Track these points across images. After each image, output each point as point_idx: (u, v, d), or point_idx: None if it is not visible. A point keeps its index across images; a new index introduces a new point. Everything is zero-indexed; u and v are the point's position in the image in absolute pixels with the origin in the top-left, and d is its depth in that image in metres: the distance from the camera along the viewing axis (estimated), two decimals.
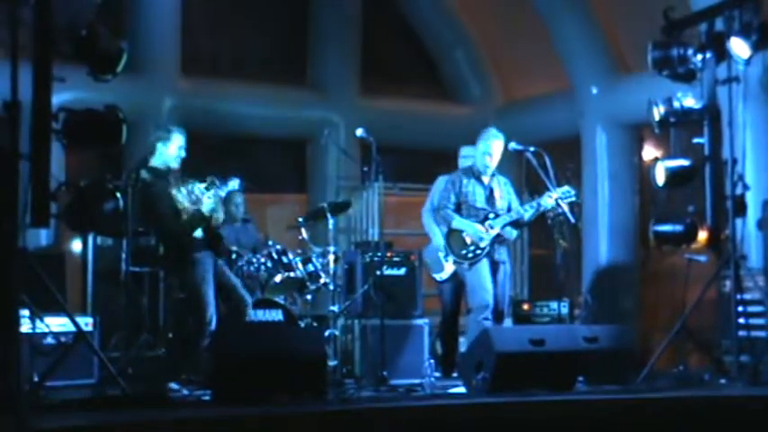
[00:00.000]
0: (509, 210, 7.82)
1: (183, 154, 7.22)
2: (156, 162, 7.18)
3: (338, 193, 10.69)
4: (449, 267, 8.09)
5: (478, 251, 7.66)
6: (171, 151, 7.18)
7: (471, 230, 7.69)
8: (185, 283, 7.21)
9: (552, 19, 10.50)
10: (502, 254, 7.82)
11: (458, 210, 7.81)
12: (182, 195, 7.16)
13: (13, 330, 5.56)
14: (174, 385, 6.93)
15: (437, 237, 8.24)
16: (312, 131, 11.15)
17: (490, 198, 7.82)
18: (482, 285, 7.63)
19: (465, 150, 8.53)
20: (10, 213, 5.61)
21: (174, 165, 7.21)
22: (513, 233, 7.99)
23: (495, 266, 7.73)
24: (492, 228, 7.69)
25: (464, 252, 7.69)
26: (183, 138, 7.24)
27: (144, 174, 7.11)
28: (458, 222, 7.74)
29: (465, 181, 7.83)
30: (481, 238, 7.66)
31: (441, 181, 8.51)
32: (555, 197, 7.65)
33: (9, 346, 5.48)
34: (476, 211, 7.77)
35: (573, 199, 7.76)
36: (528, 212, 7.74)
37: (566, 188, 7.74)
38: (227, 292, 7.27)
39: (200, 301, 7.02)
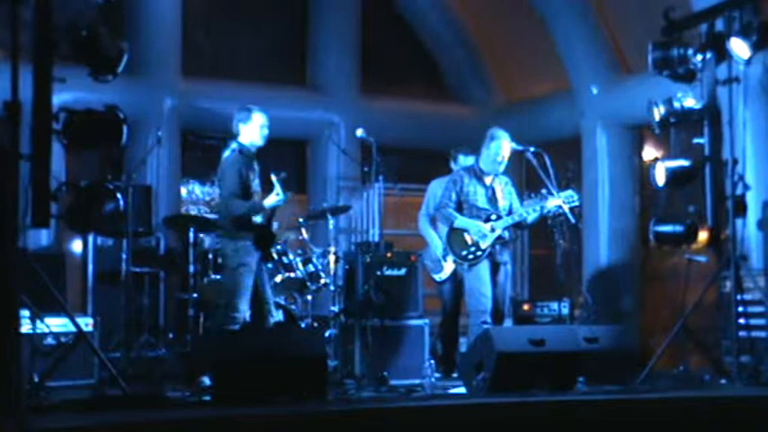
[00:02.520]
0: (510, 210, 7.79)
1: (266, 132, 7.35)
2: (243, 141, 7.33)
3: (338, 194, 10.69)
4: (448, 268, 8.10)
5: (479, 252, 7.62)
6: (253, 130, 7.32)
7: (474, 229, 7.64)
8: (225, 264, 7.33)
9: (552, 19, 10.50)
10: (504, 255, 7.79)
11: (459, 209, 7.76)
12: (256, 183, 7.32)
13: (13, 330, 5.55)
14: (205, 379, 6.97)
15: (434, 241, 8.26)
16: (312, 132, 11.15)
17: (492, 198, 7.78)
18: (480, 290, 7.59)
19: (462, 160, 8.46)
20: (10, 213, 5.61)
21: (260, 143, 7.35)
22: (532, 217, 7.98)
23: (495, 267, 7.71)
24: (494, 229, 7.66)
25: (464, 253, 7.66)
26: (264, 116, 7.37)
27: (234, 145, 7.30)
28: (460, 221, 7.70)
29: (467, 180, 7.78)
30: (484, 236, 7.61)
31: (434, 185, 8.51)
32: (559, 201, 7.63)
33: (9, 347, 5.47)
34: (478, 211, 7.72)
35: (576, 203, 7.75)
36: (531, 215, 7.71)
37: (569, 192, 7.72)
38: (257, 295, 7.35)
39: (236, 286, 7.13)
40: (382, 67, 11.57)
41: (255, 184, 7.33)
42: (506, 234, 7.73)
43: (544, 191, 7.81)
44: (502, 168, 7.78)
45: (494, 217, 7.69)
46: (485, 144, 7.76)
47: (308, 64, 11.44)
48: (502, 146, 7.70)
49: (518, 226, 7.86)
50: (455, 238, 7.72)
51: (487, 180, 7.80)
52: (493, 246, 7.64)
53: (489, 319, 7.53)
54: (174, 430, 5.25)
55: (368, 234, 10.69)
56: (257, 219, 7.24)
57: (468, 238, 7.66)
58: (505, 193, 7.84)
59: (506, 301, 7.89)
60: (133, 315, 8.17)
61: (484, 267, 7.62)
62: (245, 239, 7.18)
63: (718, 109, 7.86)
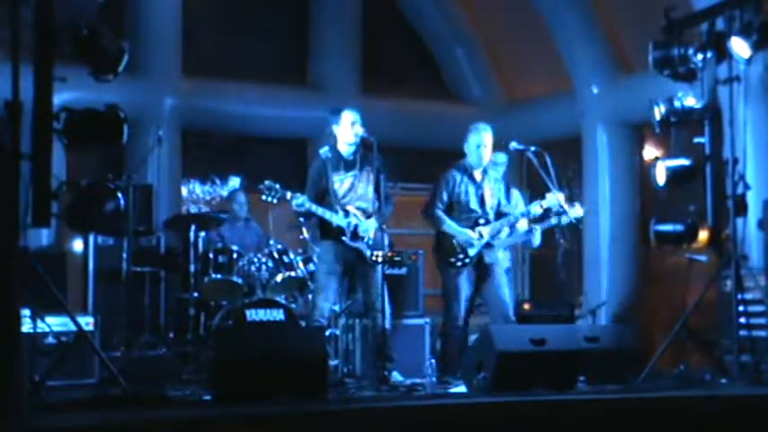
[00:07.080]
0: (498, 207, 7.77)
1: (358, 131, 7.43)
2: (336, 143, 7.53)
3: None
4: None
5: (467, 259, 7.61)
6: (343, 131, 7.49)
7: (462, 237, 7.63)
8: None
9: (553, 18, 10.50)
10: (492, 255, 7.75)
11: (450, 209, 7.75)
12: (339, 182, 7.44)
13: (13, 330, 5.55)
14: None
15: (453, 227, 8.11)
16: (312, 131, 11.14)
17: (481, 198, 7.76)
18: (455, 297, 7.62)
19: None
20: (11, 213, 5.61)
21: (350, 139, 7.48)
22: (537, 239, 7.97)
23: (484, 269, 7.68)
24: (482, 235, 7.64)
25: (452, 259, 7.63)
26: (355, 113, 7.47)
27: (322, 151, 7.55)
28: (448, 227, 7.67)
29: (458, 179, 7.75)
30: (472, 245, 7.61)
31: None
32: (550, 208, 7.66)
33: (9, 346, 5.47)
34: (468, 212, 7.71)
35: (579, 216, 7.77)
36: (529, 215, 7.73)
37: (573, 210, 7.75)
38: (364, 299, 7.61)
39: (316, 287, 7.48)
40: (383, 66, 11.57)
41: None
42: (537, 239, 7.71)
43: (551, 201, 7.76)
44: (486, 158, 7.75)
45: (482, 221, 7.67)
46: (466, 139, 7.77)
47: (309, 63, 11.44)
48: (482, 135, 7.71)
49: (526, 244, 7.84)
50: (443, 242, 7.69)
51: (477, 176, 7.77)
52: (479, 253, 7.63)
53: (461, 324, 7.60)
54: (174, 430, 5.25)
55: None
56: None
57: (456, 243, 7.64)
58: (494, 191, 7.82)
59: (508, 304, 7.81)
60: (134, 314, 8.16)
61: (464, 275, 7.62)
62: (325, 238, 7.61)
63: (718, 108, 7.85)
